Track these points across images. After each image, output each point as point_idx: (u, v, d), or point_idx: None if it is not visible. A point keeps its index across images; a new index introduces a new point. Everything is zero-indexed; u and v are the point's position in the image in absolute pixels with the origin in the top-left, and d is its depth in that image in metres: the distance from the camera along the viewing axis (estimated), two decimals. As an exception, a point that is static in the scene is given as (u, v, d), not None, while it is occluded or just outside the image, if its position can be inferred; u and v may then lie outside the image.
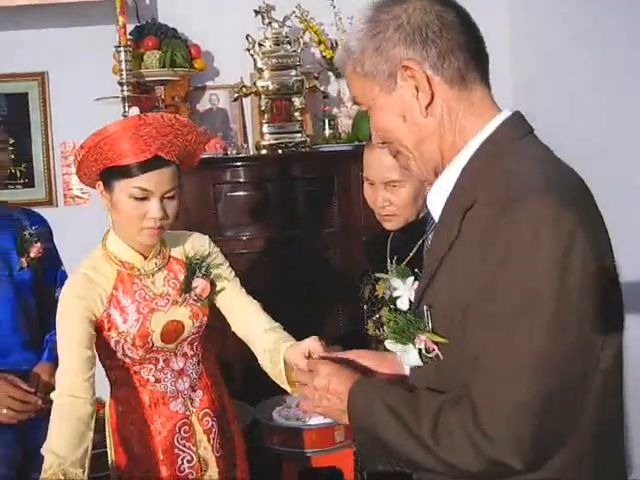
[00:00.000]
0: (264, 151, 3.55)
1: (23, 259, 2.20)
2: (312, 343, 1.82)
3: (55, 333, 2.18)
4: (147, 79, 3.71)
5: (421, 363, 1.25)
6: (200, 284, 2.06)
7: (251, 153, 3.74)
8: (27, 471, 2.12)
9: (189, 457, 2.08)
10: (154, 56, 3.66)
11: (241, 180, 3.53)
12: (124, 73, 3.51)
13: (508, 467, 1.09)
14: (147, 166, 1.87)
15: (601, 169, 3.15)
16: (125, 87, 3.51)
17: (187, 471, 2.08)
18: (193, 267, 2.06)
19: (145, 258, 2.03)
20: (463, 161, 1.24)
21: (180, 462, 2.07)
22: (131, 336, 1.97)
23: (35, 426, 2.10)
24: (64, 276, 2.33)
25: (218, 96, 3.96)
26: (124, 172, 1.86)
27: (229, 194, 3.51)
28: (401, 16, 1.22)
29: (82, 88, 3.87)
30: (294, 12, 3.77)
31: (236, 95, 3.60)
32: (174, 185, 1.92)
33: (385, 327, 1.31)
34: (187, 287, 2.06)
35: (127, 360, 2.02)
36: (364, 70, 1.26)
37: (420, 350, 1.23)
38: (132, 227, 1.93)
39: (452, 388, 1.17)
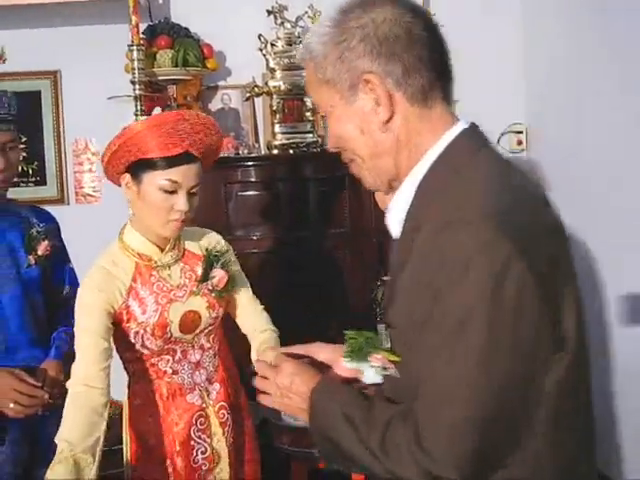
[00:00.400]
0: (275, 151, 3.56)
1: (31, 257, 2.19)
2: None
3: (62, 330, 2.19)
4: (159, 78, 3.72)
5: (379, 380, 1.27)
6: (218, 274, 2.09)
7: (262, 153, 3.75)
8: (33, 469, 2.11)
9: (203, 449, 2.11)
10: (167, 55, 3.67)
11: (252, 180, 3.53)
12: (136, 72, 3.52)
13: (426, 472, 1.11)
14: (178, 160, 1.91)
15: (614, 176, 3.16)
16: (137, 86, 3.52)
17: (200, 462, 2.11)
18: (212, 259, 2.10)
19: (162, 250, 2.05)
20: (418, 177, 1.22)
21: (195, 454, 2.10)
22: (150, 326, 2.00)
23: (42, 423, 2.10)
24: (72, 273, 2.35)
25: (230, 96, 3.97)
26: (155, 165, 1.91)
27: (240, 194, 3.51)
28: (368, 25, 1.18)
29: (94, 87, 3.88)
30: (306, 12, 3.76)
31: (248, 95, 3.61)
32: (199, 181, 1.96)
33: (344, 345, 1.34)
34: (205, 277, 2.09)
35: (145, 352, 2.03)
36: (326, 76, 1.23)
37: (376, 368, 1.25)
38: (158, 219, 1.96)
39: (407, 402, 1.19)
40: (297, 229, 3.51)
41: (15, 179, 2.25)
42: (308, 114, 3.55)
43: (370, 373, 1.29)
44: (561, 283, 1.13)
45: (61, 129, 4.01)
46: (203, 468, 2.12)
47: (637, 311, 3.03)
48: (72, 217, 2.45)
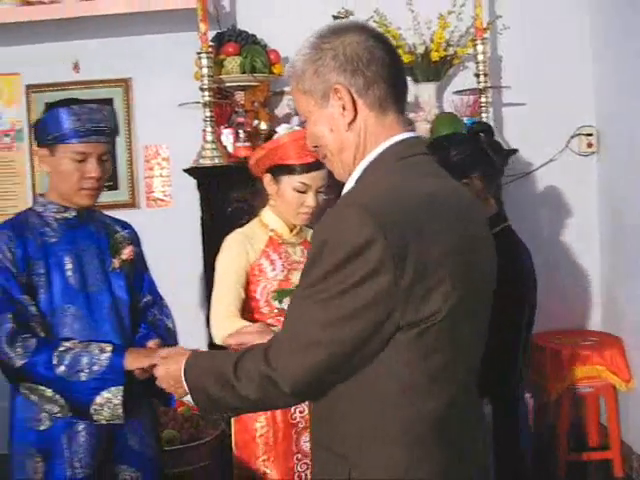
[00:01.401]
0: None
1: (115, 260, 2.25)
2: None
3: (143, 335, 2.24)
4: (227, 84, 3.78)
5: None
6: None
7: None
8: (108, 464, 2.16)
9: (301, 407, 2.35)
10: (234, 62, 3.73)
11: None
12: (205, 79, 3.59)
13: (278, 388, 1.38)
14: (310, 167, 2.33)
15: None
16: (206, 92, 3.59)
17: (298, 419, 2.38)
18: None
19: (291, 232, 2.49)
20: (358, 173, 1.49)
21: (293, 410, 2.37)
22: (277, 282, 2.40)
23: (119, 424, 2.15)
24: (151, 282, 2.40)
25: (296, 101, 4.00)
26: (292, 170, 2.35)
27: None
28: (338, 47, 1.45)
29: (164, 94, 3.99)
30: (372, 17, 3.79)
31: (314, 100, 3.64)
32: (325, 183, 2.38)
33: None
34: None
35: (265, 310, 2.40)
36: (304, 87, 1.50)
37: None
38: (291, 211, 2.41)
39: None
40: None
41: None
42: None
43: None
44: (430, 267, 1.34)
45: (132, 135, 4.11)
46: (299, 425, 2.38)
47: None
48: (143, 221, 2.51)
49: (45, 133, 2.14)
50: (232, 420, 2.52)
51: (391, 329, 1.33)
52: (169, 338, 2.30)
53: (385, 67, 1.46)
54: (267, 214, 2.52)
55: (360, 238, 1.30)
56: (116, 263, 2.25)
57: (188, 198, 3.83)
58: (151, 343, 2.17)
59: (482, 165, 2.24)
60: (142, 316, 2.32)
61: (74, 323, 2.12)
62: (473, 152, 2.23)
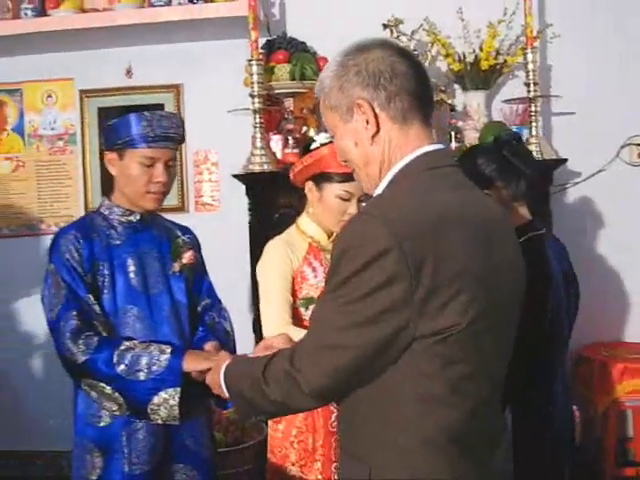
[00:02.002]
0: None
1: (176, 264, 2.31)
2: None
3: (200, 337, 2.28)
4: (277, 91, 3.82)
5: None
6: None
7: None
8: (167, 462, 2.21)
9: None
10: (284, 69, 3.76)
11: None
12: (255, 86, 3.63)
13: (300, 389, 1.42)
14: (352, 176, 2.31)
15: None
16: (256, 99, 3.63)
17: (337, 427, 2.39)
18: None
19: (328, 238, 2.53)
20: (384, 185, 1.52)
21: (332, 418, 2.38)
22: (319, 289, 2.41)
23: (177, 427, 2.18)
24: (210, 285, 2.44)
25: (345, 108, 4.01)
26: (334, 178, 2.39)
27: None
28: (361, 64, 1.50)
29: (214, 99, 4.04)
30: (422, 25, 3.79)
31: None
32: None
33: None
34: None
35: (305, 318, 2.41)
36: (330, 103, 1.55)
37: None
38: (333, 219, 2.44)
39: None
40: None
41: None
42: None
43: None
44: (446, 280, 1.35)
45: (182, 140, 4.16)
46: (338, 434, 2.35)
47: None
48: (192, 225, 2.54)
49: (115, 137, 2.20)
50: (269, 425, 2.57)
51: (407, 338, 1.35)
52: (227, 341, 2.34)
53: (408, 80, 1.49)
54: (304, 221, 2.55)
55: (376, 247, 1.34)
56: (176, 267, 2.31)
57: (236, 203, 3.88)
58: (209, 345, 2.20)
59: (505, 174, 2.23)
60: (200, 319, 2.36)
61: (135, 324, 2.18)
62: (497, 161, 2.22)
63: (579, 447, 3.50)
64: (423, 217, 1.39)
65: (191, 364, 2.05)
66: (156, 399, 2.05)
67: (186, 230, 2.44)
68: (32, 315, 4.26)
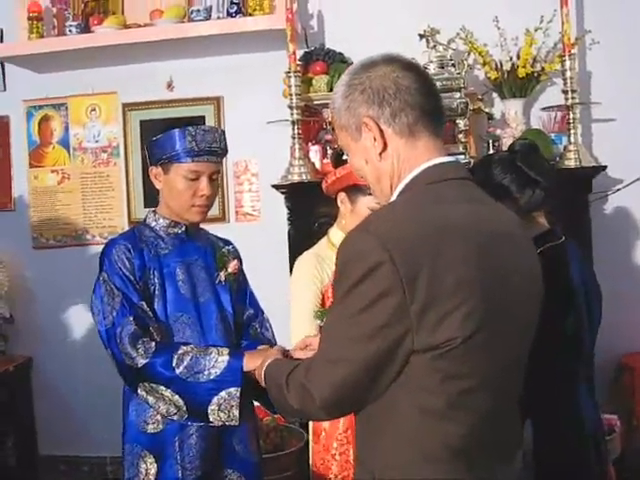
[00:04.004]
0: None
1: (221, 273, 2.36)
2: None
3: (246, 346, 2.34)
4: (315, 102, 3.86)
5: None
6: None
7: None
8: (217, 468, 2.25)
9: None
10: (322, 80, 3.81)
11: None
12: (293, 97, 3.68)
13: (312, 400, 1.44)
14: None
15: None
16: (294, 110, 3.68)
17: None
18: None
19: None
20: (393, 199, 1.53)
21: None
22: None
23: (226, 432, 2.24)
24: (252, 296, 2.50)
25: (382, 118, 4.04)
26: (367, 191, 2.29)
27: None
28: (365, 82, 1.52)
29: (253, 111, 4.11)
30: (458, 34, 3.80)
31: (400, 117, 3.67)
32: None
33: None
34: None
35: None
36: (341, 123, 1.57)
37: None
38: None
39: None
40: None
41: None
42: (460, 136, 3.57)
43: None
44: (441, 295, 1.35)
45: (223, 151, 4.22)
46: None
47: None
48: (232, 235, 2.59)
49: (160, 153, 2.26)
50: (310, 437, 2.60)
51: (406, 352, 1.36)
52: None
53: (413, 95, 1.49)
54: (336, 234, 2.55)
55: (369, 262, 1.35)
56: (222, 276, 2.36)
57: (276, 213, 3.92)
58: (262, 347, 2.26)
59: (520, 185, 2.21)
60: (244, 330, 2.42)
61: (185, 330, 2.24)
62: (511, 172, 2.22)
63: (621, 457, 3.49)
64: (419, 230, 1.40)
65: (251, 363, 2.07)
66: (216, 399, 2.08)
67: (227, 242, 2.50)
68: (78, 324, 4.38)
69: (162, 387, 2.11)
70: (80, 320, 4.36)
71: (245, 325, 2.43)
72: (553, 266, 2.07)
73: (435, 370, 1.37)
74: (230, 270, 2.37)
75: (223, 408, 2.09)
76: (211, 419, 2.10)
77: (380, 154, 1.52)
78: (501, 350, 1.43)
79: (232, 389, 2.08)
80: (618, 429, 3.47)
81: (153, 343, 2.12)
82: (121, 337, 2.12)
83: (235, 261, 2.39)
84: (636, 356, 3.76)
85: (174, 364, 2.09)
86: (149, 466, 2.19)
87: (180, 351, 2.12)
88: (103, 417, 4.06)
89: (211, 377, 2.08)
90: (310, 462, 2.60)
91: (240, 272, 2.44)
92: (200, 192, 2.25)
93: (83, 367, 4.33)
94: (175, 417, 2.13)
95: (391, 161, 1.52)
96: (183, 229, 2.33)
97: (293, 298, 2.55)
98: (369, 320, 1.37)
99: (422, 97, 1.50)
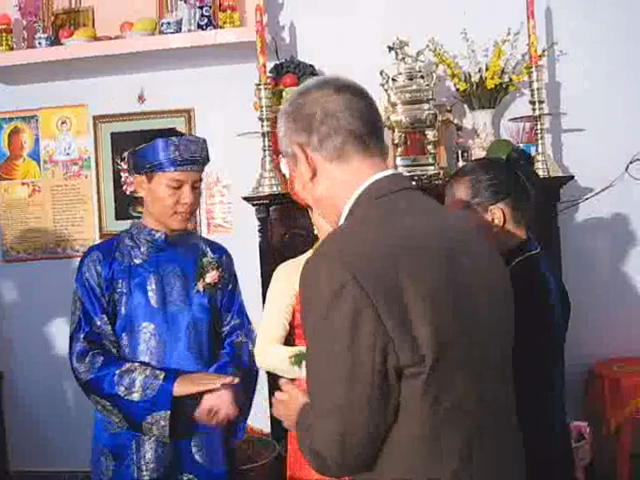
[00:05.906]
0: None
1: (199, 283, 2.41)
2: None
3: (221, 365, 2.40)
4: (285, 114, 3.86)
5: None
6: None
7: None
8: (177, 471, 2.32)
9: None
10: (292, 92, 3.80)
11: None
12: (264, 109, 3.68)
13: (327, 468, 1.40)
14: None
15: None
16: (265, 122, 3.68)
17: None
18: None
19: None
20: (341, 221, 1.53)
21: None
22: None
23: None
24: (240, 305, 2.56)
25: (353, 129, 4.05)
26: None
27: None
28: (296, 110, 1.53)
29: (224, 123, 4.12)
30: (427, 46, 3.82)
31: (370, 129, 3.69)
32: None
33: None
34: None
35: None
36: (282, 149, 1.60)
37: None
38: None
39: None
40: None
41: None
42: (429, 147, 3.59)
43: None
44: (410, 310, 1.32)
45: (194, 164, 4.22)
46: None
47: None
48: (204, 247, 2.62)
49: (143, 162, 2.32)
50: (288, 440, 2.61)
51: (393, 372, 1.32)
52: (252, 363, 2.49)
53: (340, 119, 1.49)
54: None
55: (332, 285, 1.33)
56: (200, 286, 2.42)
57: (248, 225, 3.92)
58: (203, 373, 2.35)
59: (517, 194, 2.20)
60: (228, 336, 2.49)
61: (150, 340, 2.32)
62: (510, 180, 2.20)
63: (591, 464, 3.52)
64: (378, 245, 1.38)
65: (179, 389, 2.23)
66: (149, 418, 2.23)
67: (217, 249, 2.54)
68: (50, 338, 4.35)
69: (104, 401, 2.27)
70: (51, 333, 4.34)
71: (229, 333, 2.49)
72: (533, 277, 2.09)
73: (420, 393, 1.34)
74: (209, 280, 2.42)
75: (155, 427, 2.23)
76: (146, 433, 2.25)
77: (311, 179, 1.53)
78: (481, 360, 1.42)
79: (162, 412, 2.22)
80: (588, 436, 3.49)
81: (101, 358, 2.27)
82: (73, 352, 2.30)
83: (214, 272, 2.44)
84: (606, 364, 3.79)
85: (115, 380, 2.24)
86: (108, 463, 2.33)
87: (124, 368, 2.26)
88: (75, 431, 4.04)
89: (145, 398, 2.22)
90: (287, 464, 2.61)
91: (226, 280, 2.49)
92: (182, 200, 2.31)
93: (54, 381, 4.29)
94: (119, 426, 2.29)
95: (326, 186, 1.53)
96: (163, 237, 2.38)
97: (267, 305, 2.61)
98: (349, 346, 1.31)
99: (352, 119, 1.50)
